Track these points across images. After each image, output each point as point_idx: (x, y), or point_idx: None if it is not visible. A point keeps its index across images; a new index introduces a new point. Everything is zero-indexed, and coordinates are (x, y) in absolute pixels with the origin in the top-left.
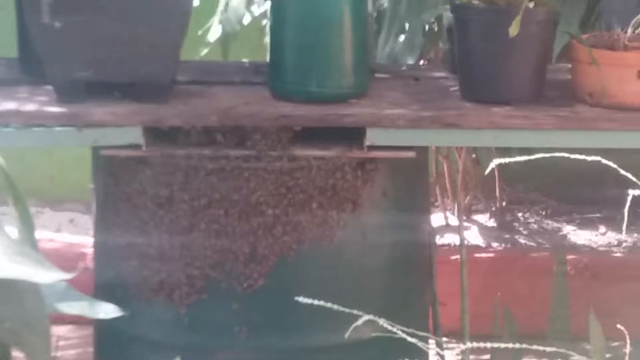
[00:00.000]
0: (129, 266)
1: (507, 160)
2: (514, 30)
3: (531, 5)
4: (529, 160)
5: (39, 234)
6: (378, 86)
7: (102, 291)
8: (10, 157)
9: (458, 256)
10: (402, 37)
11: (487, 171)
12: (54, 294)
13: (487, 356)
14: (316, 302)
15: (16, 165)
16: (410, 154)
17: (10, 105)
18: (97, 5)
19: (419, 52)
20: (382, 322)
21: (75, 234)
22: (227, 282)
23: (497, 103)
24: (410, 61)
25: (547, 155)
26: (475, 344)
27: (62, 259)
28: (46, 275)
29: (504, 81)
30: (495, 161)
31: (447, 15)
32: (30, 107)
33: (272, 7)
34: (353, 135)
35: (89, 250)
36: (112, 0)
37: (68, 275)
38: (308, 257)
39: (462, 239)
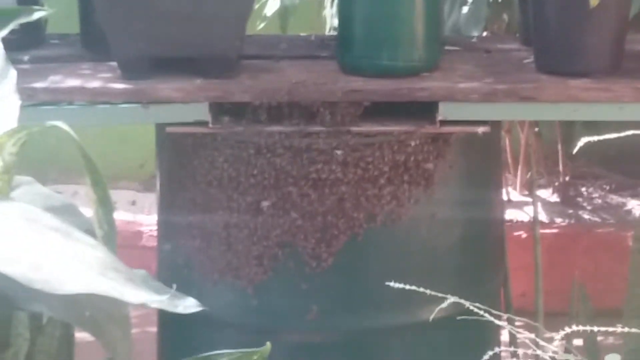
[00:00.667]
0: (195, 245)
1: (595, 138)
2: (594, 0)
3: None
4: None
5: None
6: (449, 59)
7: (166, 271)
8: (59, 132)
9: (521, 232)
10: (465, 9)
11: (575, 150)
12: None
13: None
14: (407, 287)
15: (70, 143)
16: (485, 129)
17: (73, 82)
18: None
19: (484, 23)
20: (460, 300)
21: (131, 212)
22: (295, 262)
23: (574, 75)
24: (475, 33)
25: None
26: (572, 328)
27: (119, 237)
28: (136, 294)
29: (582, 52)
30: (584, 139)
31: None
32: (94, 83)
33: None
34: (424, 109)
35: (146, 229)
36: None
37: (157, 297)
38: (378, 235)
39: (536, 217)
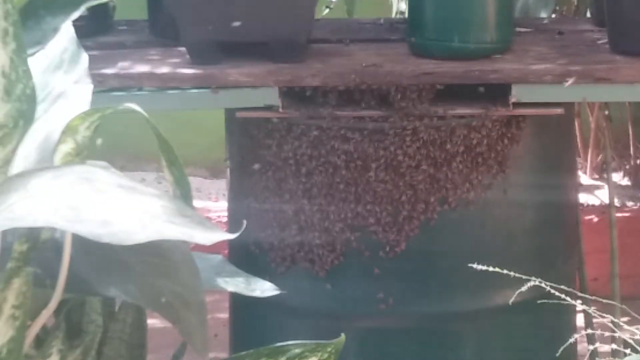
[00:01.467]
0: (266, 231)
1: None
2: None
3: None
4: None
5: None
6: (520, 41)
7: (238, 256)
8: (127, 119)
9: (593, 216)
10: None
11: None
12: (209, 268)
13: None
14: (490, 268)
15: (137, 129)
16: (559, 111)
17: (143, 68)
18: None
19: (553, 5)
20: (539, 282)
21: (199, 199)
22: (368, 247)
23: None
24: (544, 14)
25: None
26: None
27: None
28: (207, 236)
29: None
30: None
31: None
32: (163, 69)
33: None
34: (496, 92)
35: (214, 215)
36: None
37: (231, 235)
38: (452, 219)
39: (611, 200)
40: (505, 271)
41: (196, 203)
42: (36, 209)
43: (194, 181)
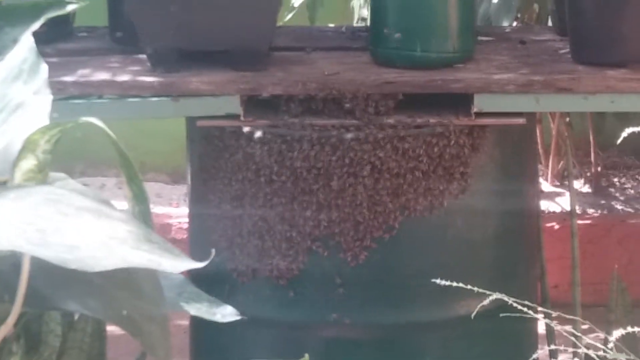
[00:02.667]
0: (227, 240)
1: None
2: None
3: None
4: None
5: (120, 204)
6: (483, 50)
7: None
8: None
9: (554, 223)
10: None
11: (619, 141)
12: (170, 288)
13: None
14: (454, 284)
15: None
16: (521, 121)
17: (103, 76)
18: None
19: (515, 13)
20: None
21: (160, 204)
22: (329, 256)
23: (612, 65)
24: (506, 22)
25: None
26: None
27: None
28: (175, 264)
29: (619, 42)
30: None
31: None
32: (123, 77)
33: None
34: (459, 101)
35: (175, 222)
36: None
37: (198, 264)
38: (414, 228)
39: (573, 209)
40: (468, 286)
41: (157, 209)
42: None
43: (155, 187)
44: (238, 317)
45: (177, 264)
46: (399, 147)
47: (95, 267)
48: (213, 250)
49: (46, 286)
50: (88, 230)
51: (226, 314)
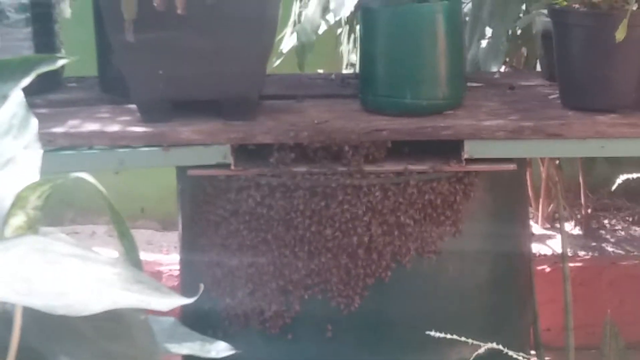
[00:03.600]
0: (218, 287)
1: (634, 175)
2: (620, 34)
3: (635, 7)
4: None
5: (111, 252)
6: (472, 96)
7: (190, 312)
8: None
9: (545, 266)
10: (484, 43)
11: (614, 187)
12: (161, 332)
13: None
14: (448, 336)
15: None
16: (512, 167)
17: (93, 126)
18: (181, 22)
19: (503, 58)
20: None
21: (150, 251)
22: (321, 304)
23: (601, 111)
24: (494, 68)
25: None
26: None
27: None
28: (164, 302)
29: (608, 88)
30: (622, 177)
31: (542, 20)
32: (113, 127)
33: (363, 17)
34: (449, 147)
35: (165, 269)
36: (197, 16)
37: (187, 300)
38: (405, 276)
39: (565, 253)
40: (462, 338)
41: (147, 256)
42: None
43: (145, 234)
44: (232, 352)
45: (167, 302)
46: (389, 195)
47: (83, 312)
48: (202, 285)
49: (38, 341)
50: (75, 276)
51: (220, 349)
